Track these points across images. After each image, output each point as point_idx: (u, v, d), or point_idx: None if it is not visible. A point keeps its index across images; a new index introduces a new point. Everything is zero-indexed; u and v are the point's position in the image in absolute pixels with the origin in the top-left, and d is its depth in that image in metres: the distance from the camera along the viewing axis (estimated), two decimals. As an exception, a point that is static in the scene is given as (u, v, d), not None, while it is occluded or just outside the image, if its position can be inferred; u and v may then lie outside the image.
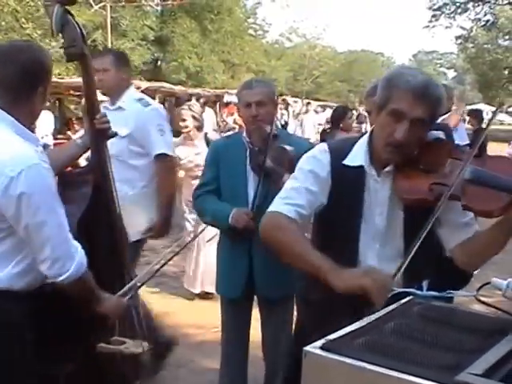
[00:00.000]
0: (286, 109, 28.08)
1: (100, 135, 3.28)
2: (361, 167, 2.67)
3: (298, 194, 2.66)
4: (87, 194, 3.11)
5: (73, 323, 2.92)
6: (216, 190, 4.02)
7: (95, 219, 3.08)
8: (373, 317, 2.10)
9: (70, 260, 2.66)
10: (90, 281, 2.82)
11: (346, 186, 2.66)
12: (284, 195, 2.71)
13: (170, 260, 3.49)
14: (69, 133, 18.10)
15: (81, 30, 3.08)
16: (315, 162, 2.73)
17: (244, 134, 4.01)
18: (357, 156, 2.69)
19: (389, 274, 2.40)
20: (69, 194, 3.14)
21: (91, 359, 3.03)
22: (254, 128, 3.90)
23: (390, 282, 2.34)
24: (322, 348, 1.80)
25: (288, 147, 3.72)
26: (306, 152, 3.75)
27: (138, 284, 3.34)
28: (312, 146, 4.13)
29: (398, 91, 2.50)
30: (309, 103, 27.27)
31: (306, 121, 25.62)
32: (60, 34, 3.08)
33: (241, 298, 4.02)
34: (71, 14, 3.08)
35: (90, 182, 3.17)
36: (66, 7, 3.04)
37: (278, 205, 2.67)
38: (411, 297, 2.32)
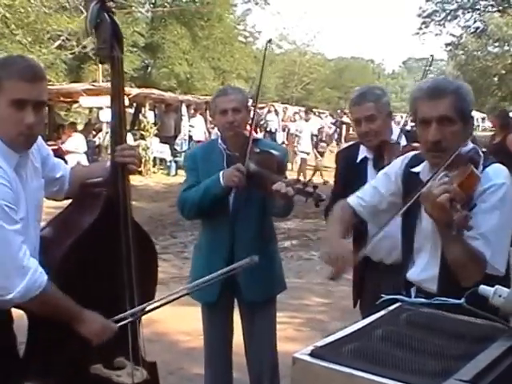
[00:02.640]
0: (277, 114, 27.75)
1: (120, 168, 2.98)
2: (418, 173, 2.81)
3: (365, 190, 3.05)
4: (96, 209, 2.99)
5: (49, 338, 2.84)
6: None
7: (103, 233, 2.94)
8: (362, 323, 2.11)
9: (18, 278, 2.55)
10: (56, 298, 2.68)
11: (410, 190, 2.76)
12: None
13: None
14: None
15: (115, 31, 2.94)
16: (390, 167, 3.03)
17: (220, 141, 4.04)
18: (420, 165, 2.83)
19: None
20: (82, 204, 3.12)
21: (82, 378, 2.93)
22: (232, 134, 3.92)
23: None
24: (311, 355, 1.81)
25: (274, 151, 3.80)
26: (285, 155, 4.05)
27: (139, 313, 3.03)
28: (286, 150, 4.29)
29: None
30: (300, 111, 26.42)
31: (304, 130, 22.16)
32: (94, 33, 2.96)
33: (219, 303, 4.03)
34: (112, 13, 2.95)
35: (102, 197, 3.02)
36: (106, 6, 2.91)
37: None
38: (399, 303, 2.33)
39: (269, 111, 26.95)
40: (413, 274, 2.81)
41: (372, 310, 2.44)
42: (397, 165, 2.98)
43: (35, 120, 2.65)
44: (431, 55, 4.06)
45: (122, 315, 2.89)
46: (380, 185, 3.00)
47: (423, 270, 2.76)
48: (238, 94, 3.99)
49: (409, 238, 2.86)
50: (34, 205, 2.84)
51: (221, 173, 3.81)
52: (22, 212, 2.70)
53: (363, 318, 3.27)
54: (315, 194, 3.42)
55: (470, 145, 2.71)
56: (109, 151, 3.28)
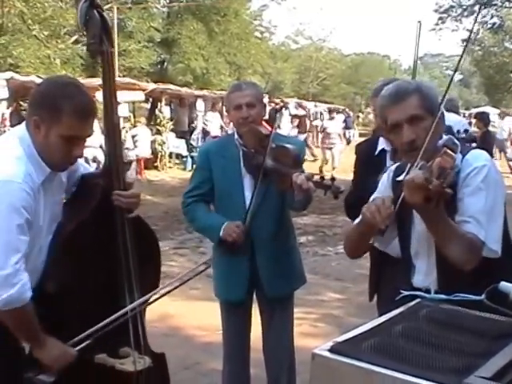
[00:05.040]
0: (280, 110, 27.61)
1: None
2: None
3: None
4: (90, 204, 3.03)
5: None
6: (205, 194, 4.02)
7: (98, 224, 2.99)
8: (381, 319, 2.10)
9: (7, 287, 2.55)
10: (30, 317, 2.69)
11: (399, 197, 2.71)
12: None
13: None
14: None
15: (104, 26, 3.00)
16: (380, 184, 3.00)
17: (236, 136, 3.98)
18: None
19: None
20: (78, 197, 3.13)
21: (88, 368, 2.94)
22: (247, 130, 3.86)
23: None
24: (331, 350, 1.80)
25: (289, 145, 3.71)
26: (301, 149, 3.98)
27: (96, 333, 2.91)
28: (303, 144, 4.26)
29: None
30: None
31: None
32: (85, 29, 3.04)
33: (241, 300, 4.02)
34: (101, 9, 3.02)
35: (98, 190, 3.04)
36: (95, 3, 2.98)
37: None
38: (419, 300, 2.32)
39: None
40: (417, 281, 2.77)
41: (390, 306, 2.42)
42: (384, 180, 2.99)
43: (82, 152, 2.79)
44: (419, 21, 4.02)
45: (76, 338, 2.85)
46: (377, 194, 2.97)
47: (425, 275, 2.74)
48: (252, 88, 3.95)
49: (405, 245, 2.85)
50: (54, 214, 2.90)
51: (224, 224, 3.84)
52: (39, 221, 2.74)
53: (379, 313, 3.26)
54: (333, 187, 3.37)
55: (446, 137, 2.73)
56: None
